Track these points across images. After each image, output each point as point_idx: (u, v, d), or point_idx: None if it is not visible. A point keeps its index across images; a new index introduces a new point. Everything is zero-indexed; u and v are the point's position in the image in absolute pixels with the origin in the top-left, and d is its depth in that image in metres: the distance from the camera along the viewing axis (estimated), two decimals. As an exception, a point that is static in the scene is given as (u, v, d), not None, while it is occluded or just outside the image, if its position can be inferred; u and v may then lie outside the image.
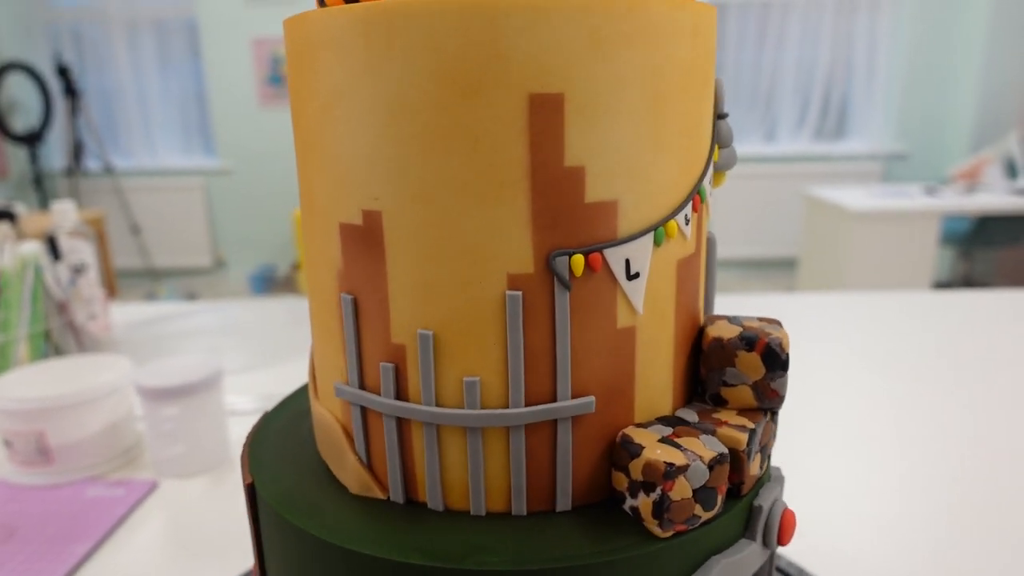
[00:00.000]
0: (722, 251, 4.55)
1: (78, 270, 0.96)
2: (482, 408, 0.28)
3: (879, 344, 0.95)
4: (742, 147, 4.50)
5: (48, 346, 0.88)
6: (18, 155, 4.53)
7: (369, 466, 0.30)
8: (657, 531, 0.27)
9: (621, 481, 0.28)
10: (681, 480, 0.26)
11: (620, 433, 0.29)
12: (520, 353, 0.27)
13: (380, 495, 0.30)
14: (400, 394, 0.29)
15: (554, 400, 0.28)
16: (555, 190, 0.26)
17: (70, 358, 0.71)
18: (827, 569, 0.51)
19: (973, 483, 0.61)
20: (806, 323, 1.05)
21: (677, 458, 0.26)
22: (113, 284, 3.74)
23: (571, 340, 0.27)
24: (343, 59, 0.26)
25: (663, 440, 0.28)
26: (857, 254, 3.05)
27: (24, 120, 4.54)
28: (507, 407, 0.28)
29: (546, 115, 0.25)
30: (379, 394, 0.29)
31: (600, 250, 0.27)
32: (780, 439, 0.70)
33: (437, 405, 0.28)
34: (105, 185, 4.64)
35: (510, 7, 0.24)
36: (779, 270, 4.64)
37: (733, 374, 0.31)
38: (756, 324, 0.32)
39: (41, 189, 4.29)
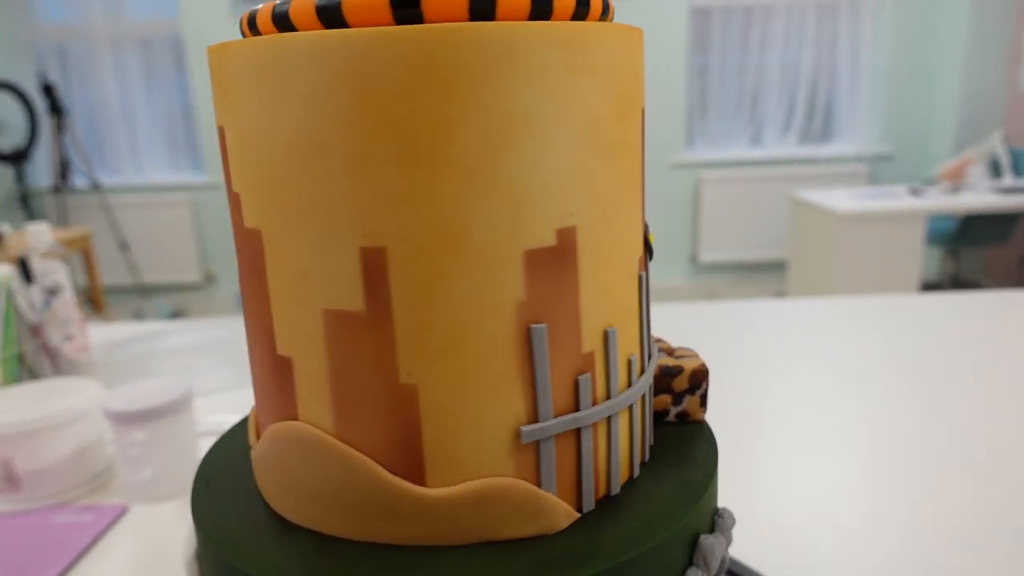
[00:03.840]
0: (712, 255, 4.56)
1: (52, 292, 0.95)
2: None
3: (865, 350, 0.95)
4: (729, 151, 4.51)
5: (22, 369, 0.88)
6: (4, 174, 4.51)
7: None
8: (701, 414, 0.38)
9: (665, 400, 0.38)
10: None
11: (657, 367, 0.37)
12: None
13: (571, 514, 0.29)
14: (586, 403, 0.30)
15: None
16: None
17: (40, 382, 0.70)
18: (797, 581, 0.50)
19: (962, 485, 0.61)
20: (793, 330, 1.05)
21: (701, 363, 0.38)
22: (101, 302, 3.72)
23: None
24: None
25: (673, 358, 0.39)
26: (845, 255, 3.06)
27: (9, 139, 4.53)
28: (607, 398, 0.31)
29: None
30: (570, 411, 0.29)
31: None
32: (766, 446, 0.70)
33: (608, 399, 0.31)
34: (92, 202, 4.63)
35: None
36: (769, 273, 4.65)
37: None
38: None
39: (28, 208, 4.27)
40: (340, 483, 0.28)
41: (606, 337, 0.29)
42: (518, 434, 0.28)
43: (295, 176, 0.26)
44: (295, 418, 0.29)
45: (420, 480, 0.28)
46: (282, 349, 0.29)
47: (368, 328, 0.26)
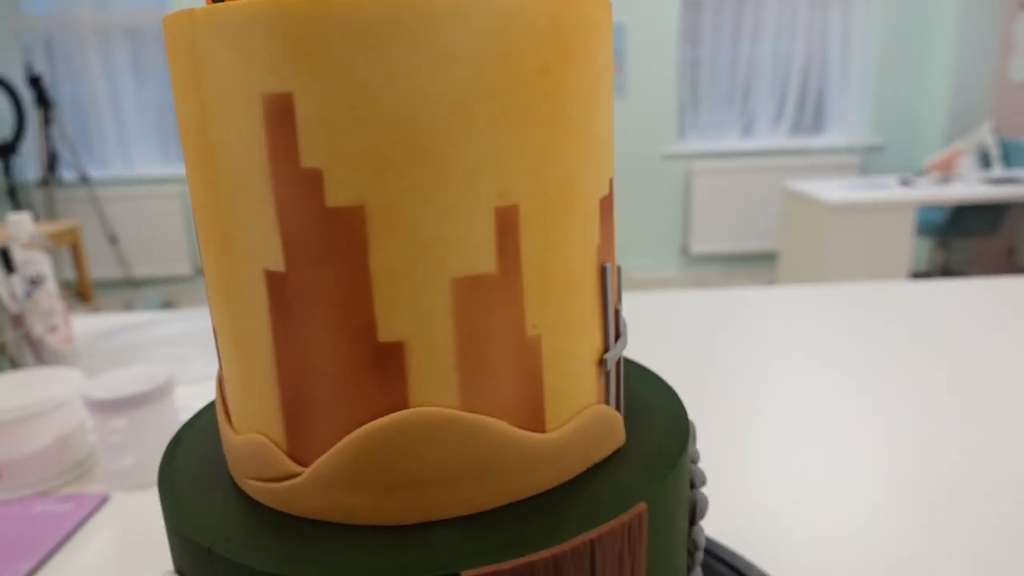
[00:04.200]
0: (703, 247, 4.56)
1: (35, 282, 0.94)
2: None
3: (854, 336, 0.95)
4: (720, 143, 4.51)
5: (4, 359, 0.87)
6: (-9, 167, 4.48)
7: None
8: None
9: None
10: None
11: None
12: None
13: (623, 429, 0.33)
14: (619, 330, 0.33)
15: None
16: None
17: (21, 372, 0.70)
18: (795, 570, 0.50)
19: (953, 473, 0.61)
20: (783, 317, 1.05)
21: None
22: (89, 295, 3.70)
23: None
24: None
25: None
26: (835, 246, 3.06)
27: (-4, 131, 4.49)
28: None
29: None
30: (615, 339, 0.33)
31: None
32: (757, 433, 0.70)
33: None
34: (81, 195, 4.60)
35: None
36: (760, 264, 4.66)
37: None
38: None
39: (15, 201, 4.24)
40: (471, 457, 0.27)
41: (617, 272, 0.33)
42: (602, 362, 0.31)
43: (425, 140, 0.25)
44: (404, 406, 0.27)
45: (541, 428, 0.29)
46: (388, 335, 0.26)
47: (500, 288, 0.27)
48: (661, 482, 0.29)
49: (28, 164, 4.64)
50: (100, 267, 4.73)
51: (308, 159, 0.25)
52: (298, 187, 0.25)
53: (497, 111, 0.25)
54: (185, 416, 0.78)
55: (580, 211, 0.29)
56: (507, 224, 0.26)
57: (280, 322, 0.27)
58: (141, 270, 4.74)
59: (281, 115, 0.24)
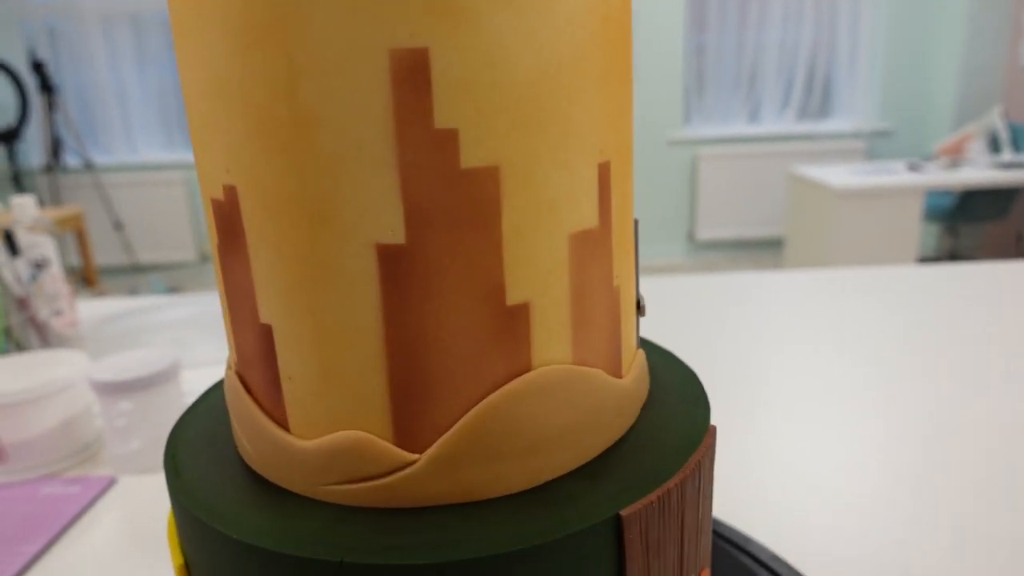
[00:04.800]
0: (709, 233, 4.54)
1: (39, 265, 0.94)
2: None
3: (863, 321, 0.94)
4: (727, 128, 4.48)
5: (9, 343, 0.86)
6: (-4, 153, 4.48)
7: None
8: None
9: None
10: None
11: None
12: None
13: None
14: None
15: None
16: None
17: (26, 354, 0.69)
18: (802, 552, 0.50)
19: (961, 457, 0.60)
20: (790, 301, 1.04)
21: None
22: (95, 281, 3.71)
23: None
24: None
25: None
26: (842, 232, 3.05)
27: (0, 118, 4.48)
28: None
29: None
30: None
31: None
32: (763, 418, 0.69)
33: None
34: (85, 181, 4.59)
35: None
36: (766, 250, 4.64)
37: None
38: None
39: (20, 187, 4.24)
40: (583, 409, 0.28)
41: None
42: (640, 307, 0.33)
43: (552, 98, 0.25)
44: (528, 369, 0.27)
45: (620, 375, 0.30)
46: (515, 298, 0.26)
47: (600, 242, 0.28)
48: (707, 411, 0.32)
49: (32, 150, 4.63)
50: (105, 253, 4.74)
51: (443, 119, 0.24)
52: (430, 150, 0.24)
53: (600, 69, 0.26)
54: (191, 400, 0.78)
55: (632, 165, 0.30)
56: (605, 179, 0.27)
57: (394, 300, 0.25)
58: (146, 256, 4.75)
59: (413, 72, 0.23)
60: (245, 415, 0.28)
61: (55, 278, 0.96)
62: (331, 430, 0.26)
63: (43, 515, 0.57)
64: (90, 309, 1.19)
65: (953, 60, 4.10)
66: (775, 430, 0.66)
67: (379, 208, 0.24)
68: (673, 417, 0.32)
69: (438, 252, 0.25)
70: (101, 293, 3.72)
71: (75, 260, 4.69)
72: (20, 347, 0.87)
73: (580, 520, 0.25)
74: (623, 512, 0.25)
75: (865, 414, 0.69)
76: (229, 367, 0.30)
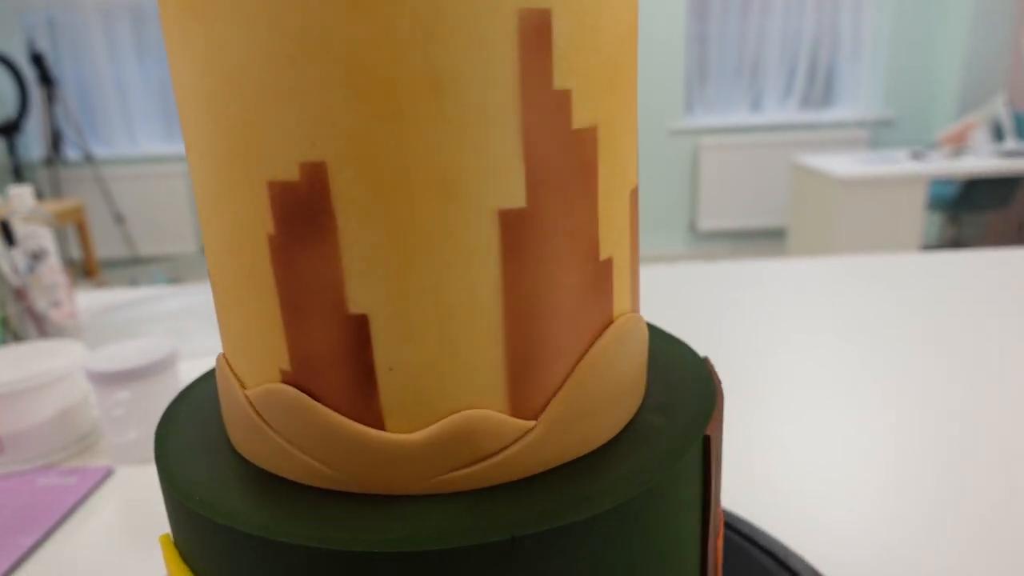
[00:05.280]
0: (711, 223, 4.53)
1: (37, 256, 0.93)
2: None
3: (866, 309, 0.94)
4: (729, 117, 4.46)
5: (6, 333, 0.86)
6: (-4, 146, 4.47)
7: None
8: None
9: None
10: None
11: None
12: None
13: None
14: None
15: None
16: None
17: (22, 345, 0.69)
18: (806, 541, 0.49)
19: (965, 444, 0.60)
20: (792, 290, 1.03)
21: None
22: (96, 273, 3.71)
23: None
24: None
25: None
26: (845, 221, 3.03)
27: (0, 110, 4.47)
28: None
29: None
30: None
31: None
32: (766, 406, 0.68)
33: None
34: (86, 174, 4.58)
35: None
36: (769, 240, 4.63)
37: None
38: None
39: (20, 180, 4.23)
40: (642, 359, 0.30)
41: None
42: None
43: (625, 64, 0.26)
44: (611, 320, 0.28)
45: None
46: (605, 253, 0.27)
47: (636, 199, 0.29)
48: (710, 380, 0.32)
49: (32, 143, 4.62)
50: (106, 246, 4.73)
51: (560, 80, 0.24)
52: (548, 111, 0.24)
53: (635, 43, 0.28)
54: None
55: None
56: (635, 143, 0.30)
57: (514, 266, 0.24)
58: (147, 248, 4.74)
59: (538, 33, 0.23)
60: (312, 426, 0.25)
61: (53, 269, 0.96)
62: (441, 416, 0.25)
63: (40, 506, 0.56)
64: (89, 300, 1.18)
65: (956, 48, 4.07)
66: (777, 418, 0.66)
67: (502, 172, 0.23)
68: (683, 379, 0.33)
69: (553, 213, 0.25)
70: (102, 284, 3.72)
71: (76, 253, 4.69)
72: (18, 337, 0.86)
73: (682, 444, 0.27)
74: (708, 431, 0.27)
75: (869, 402, 0.68)
76: (265, 383, 0.26)
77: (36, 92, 4.55)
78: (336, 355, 0.25)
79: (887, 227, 3.06)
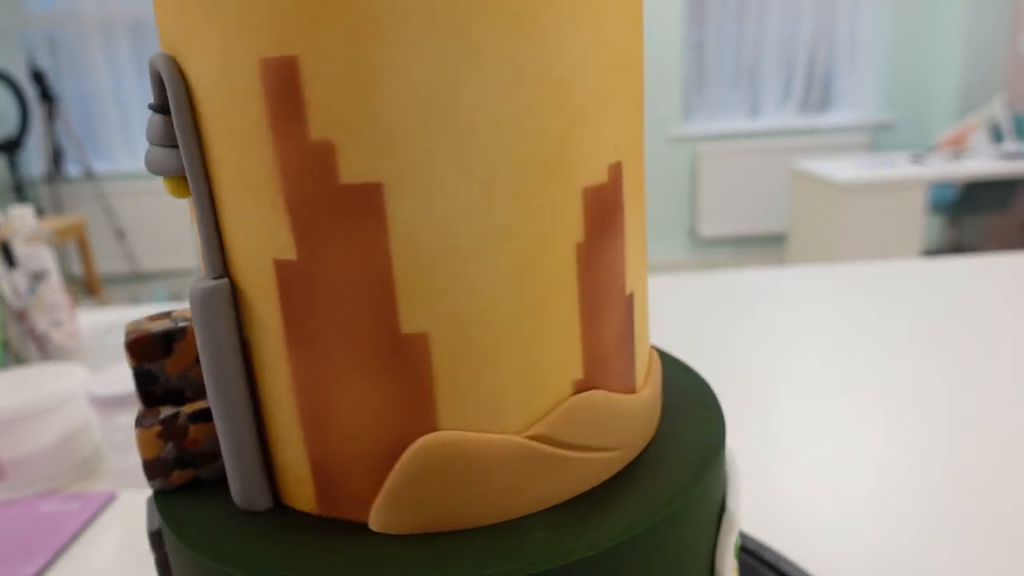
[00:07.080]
0: (711, 229, 4.53)
1: (38, 277, 0.93)
2: None
3: (868, 316, 0.93)
4: (727, 123, 4.46)
5: (8, 356, 0.86)
6: (-3, 164, 4.48)
7: None
8: None
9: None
10: None
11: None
12: None
13: None
14: None
15: None
16: None
17: (24, 368, 0.69)
18: (806, 549, 0.49)
19: (968, 450, 0.59)
20: (794, 298, 1.03)
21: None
22: (98, 289, 3.71)
23: None
24: None
25: None
26: (845, 226, 3.03)
27: (1, 127, 4.48)
28: None
29: None
30: None
31: None
32: (769, 415, 0.68)
33: None
34: (87, 190, 4.59)
35: None
36: (769, 246, 4.63)
37: None
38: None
39: (22, 197, 4.24)
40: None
41: None
42: None
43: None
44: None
45: None
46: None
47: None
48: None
49: (33, 160, 4.63)
50: (107, 262, 4.74)
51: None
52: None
53: None
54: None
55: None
56: None
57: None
58: (148, 264, 4.74)
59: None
60: (610, 419, 0.25)
61: (54, 289, 0.96)
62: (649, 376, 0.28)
63: (43, 533, 0.56)
64: (91, 320, 1.18)
65: (955, 50, 4.08)
66: (780, 426, 0.65)
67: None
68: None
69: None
70: (104, 302, 3.72)
71: (77, 269, 4.69)
72: (19, 360, 0.86)
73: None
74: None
75: (873, 409, 0.67)
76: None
77: (37, 109, 4.56)
78: (620, 339, 0.26)
79: (888, 231, 3.05)
